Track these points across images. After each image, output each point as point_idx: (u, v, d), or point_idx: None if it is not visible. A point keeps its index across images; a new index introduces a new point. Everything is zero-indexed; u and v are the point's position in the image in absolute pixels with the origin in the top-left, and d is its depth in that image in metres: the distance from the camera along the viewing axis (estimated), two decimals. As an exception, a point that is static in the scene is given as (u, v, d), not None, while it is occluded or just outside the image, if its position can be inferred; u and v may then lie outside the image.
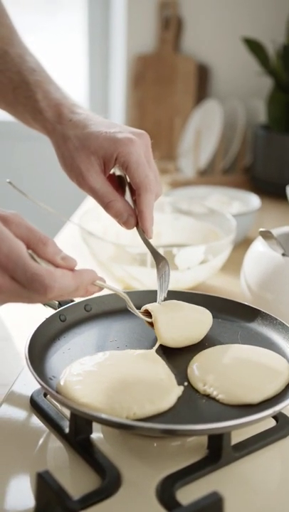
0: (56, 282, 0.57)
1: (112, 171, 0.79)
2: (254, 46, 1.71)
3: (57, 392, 0.64)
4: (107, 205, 0.76)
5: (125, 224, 0.77)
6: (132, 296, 0.86)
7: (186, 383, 0.69)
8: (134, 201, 0.77)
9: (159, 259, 0.78)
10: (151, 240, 0.78)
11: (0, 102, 0.87)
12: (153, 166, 0.78)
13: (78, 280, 0.61)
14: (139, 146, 0.75)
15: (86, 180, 0.75)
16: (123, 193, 0.79)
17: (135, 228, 0.78)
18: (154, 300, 0.87)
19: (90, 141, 0.75)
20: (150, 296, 0.87)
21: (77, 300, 0.82)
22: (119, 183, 0.80)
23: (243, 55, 1.87)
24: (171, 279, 1.00)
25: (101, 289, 0.66)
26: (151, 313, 0.76)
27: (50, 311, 0.80)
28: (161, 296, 0.78)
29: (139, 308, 0.84)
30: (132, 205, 0.78)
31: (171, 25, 2.03)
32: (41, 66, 0.85)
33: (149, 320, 0.76)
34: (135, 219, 0.76)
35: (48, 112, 0.79)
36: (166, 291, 0.79)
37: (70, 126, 0.77)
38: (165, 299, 0.80)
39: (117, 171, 0.80)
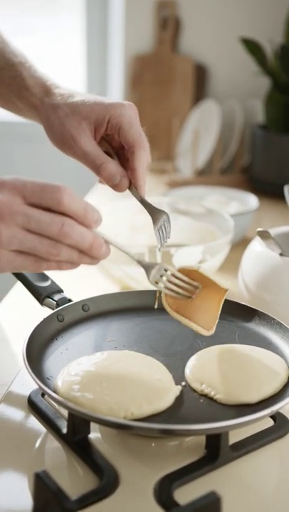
0: (66, 189, 0.59)
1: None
2: (252, 46, 1.71)
3: (54, 392, 0.64)
4: (100, 167, 0.76)
5: (118, 187, 0.76)
6: (130, 296, 0.86)
7: (183, 383, 0.69)
8: (125, 167, 0.78)
9: (156, 213, 0.78)
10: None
11: None
12: (143, 133, 0.79)
13: (87, 204, 0.61)
14: (131, 109, 0.77)
15: (78, 143, 0.76)
16: None
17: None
18: (152, 300, 0.87)
19: (80, 107, 0.76)
20: (148, 296, 0.87)
21: (74, 300, 0.82)
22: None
23: (241, 56, 1.87)
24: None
25: (107, 250, 0.63)
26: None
27: (47, 311, 0.80)
28: (159, 245, 0.78)
29: (137, 308, 0.85)
30: None
31: (169, 26, 2.03)
32: (23, 54, 0.87)
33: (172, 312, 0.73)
34: (128, 181, 0.77)
35: (35, 88, 0.81)
36: (166, 241, 0.78)
37: (58, 98, 0.79)
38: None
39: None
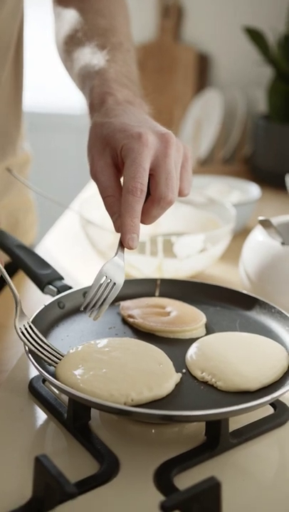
0: None
1: None
2: (254, 35, 1.70)
3: (55, 378, 0.64)
4: (103, 199, 0.73)
5: (113, 224, 0.72)
6: (130, 284, 0.86)
7: (184, 370, 0.69)
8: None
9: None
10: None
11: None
12: (173, 172, 0.70)
13: None
14: (145, 146, 0.68)
15: (92, 169, 0.73)
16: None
17: None
18: (152, 288, 0.87)
19: (108, 130, 0.72)
20: (149, 284, 0.87)
21: (76, 287, 0.82)
22: None
23: (243, 45, 1.86)
24: (170, 267, 1.00)
25: None
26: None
27: (48, 298, 0.80)
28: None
29: (137, 296, 0.85)
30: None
31: (171, 14, 2.02)
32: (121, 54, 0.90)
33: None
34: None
35: (95, 99, 0.79)
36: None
37: (103, 114, 0.76)
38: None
39: None
